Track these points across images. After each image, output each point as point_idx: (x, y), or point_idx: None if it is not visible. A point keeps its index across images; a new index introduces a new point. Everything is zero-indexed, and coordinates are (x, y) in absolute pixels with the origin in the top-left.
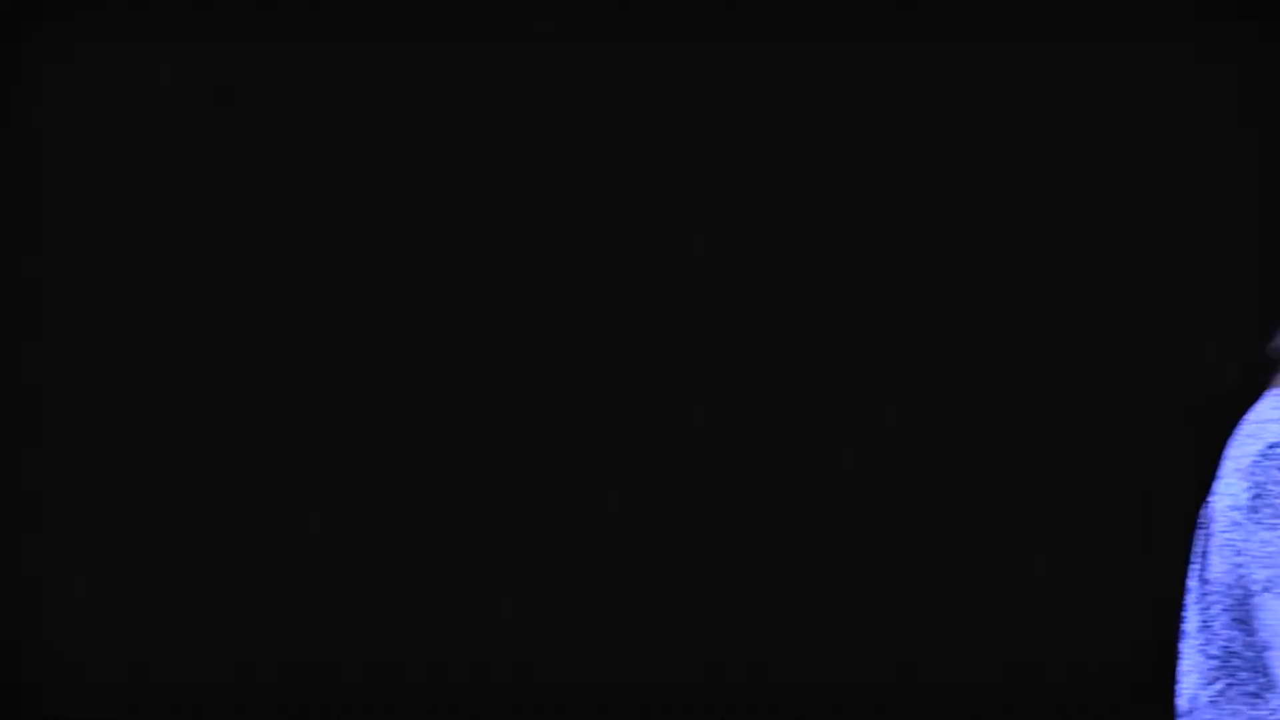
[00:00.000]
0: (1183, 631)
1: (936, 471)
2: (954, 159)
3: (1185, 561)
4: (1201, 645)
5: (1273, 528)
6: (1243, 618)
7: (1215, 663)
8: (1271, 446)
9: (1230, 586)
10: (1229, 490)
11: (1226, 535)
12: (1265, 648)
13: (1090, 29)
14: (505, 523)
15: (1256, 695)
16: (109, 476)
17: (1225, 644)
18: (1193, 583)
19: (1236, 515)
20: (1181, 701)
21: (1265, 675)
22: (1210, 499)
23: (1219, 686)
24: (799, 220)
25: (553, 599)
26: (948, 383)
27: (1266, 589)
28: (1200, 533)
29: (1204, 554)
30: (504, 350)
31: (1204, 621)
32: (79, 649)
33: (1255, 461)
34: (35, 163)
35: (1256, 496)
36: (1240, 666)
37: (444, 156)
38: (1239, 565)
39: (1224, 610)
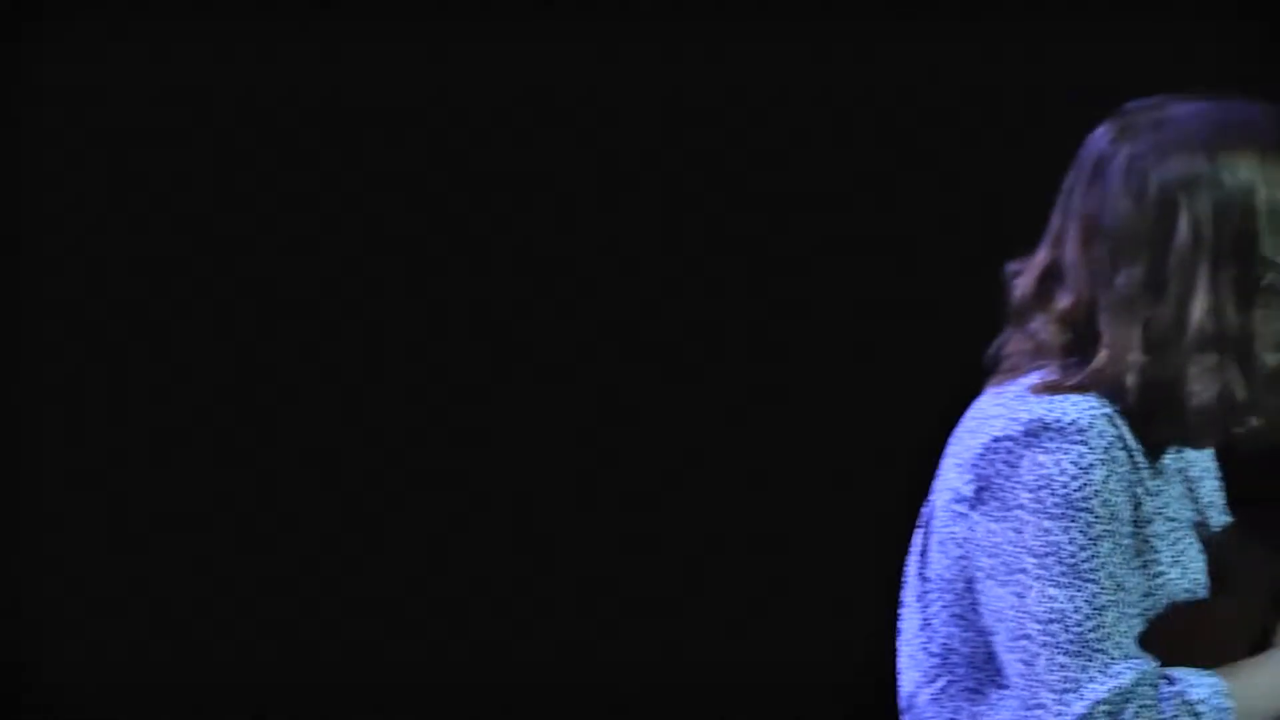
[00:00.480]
0: (899, 630)
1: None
2: (950, 160)
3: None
4: (923, 643)
5: (999, 519)
6: (962, 613)
7: (936, 660)
8: (996, 440)
9: (951, 581)
10: (950, 484)
11: (948, 529)
12: (989, 634)
13: (1088, 29)
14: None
15: (976, 691)
16: (109, 476)
17: (945, 641)
18: (911, 580)
19: (959, 508)
20: (901, 700)
21: (983, 670)
22: (930, 496)
23: (940, 684)
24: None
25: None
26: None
27: (990, 576)
28: (919, 531)
29: (923, 551)
30: (487, 354)
31: (925, 619)
32: (79, 649)
33: (980, 454)
34: (35, 163)
35: (981, 489)
36: (959, 663)
37: (444, 158)
38: (961, 558)
39: (944, 607)
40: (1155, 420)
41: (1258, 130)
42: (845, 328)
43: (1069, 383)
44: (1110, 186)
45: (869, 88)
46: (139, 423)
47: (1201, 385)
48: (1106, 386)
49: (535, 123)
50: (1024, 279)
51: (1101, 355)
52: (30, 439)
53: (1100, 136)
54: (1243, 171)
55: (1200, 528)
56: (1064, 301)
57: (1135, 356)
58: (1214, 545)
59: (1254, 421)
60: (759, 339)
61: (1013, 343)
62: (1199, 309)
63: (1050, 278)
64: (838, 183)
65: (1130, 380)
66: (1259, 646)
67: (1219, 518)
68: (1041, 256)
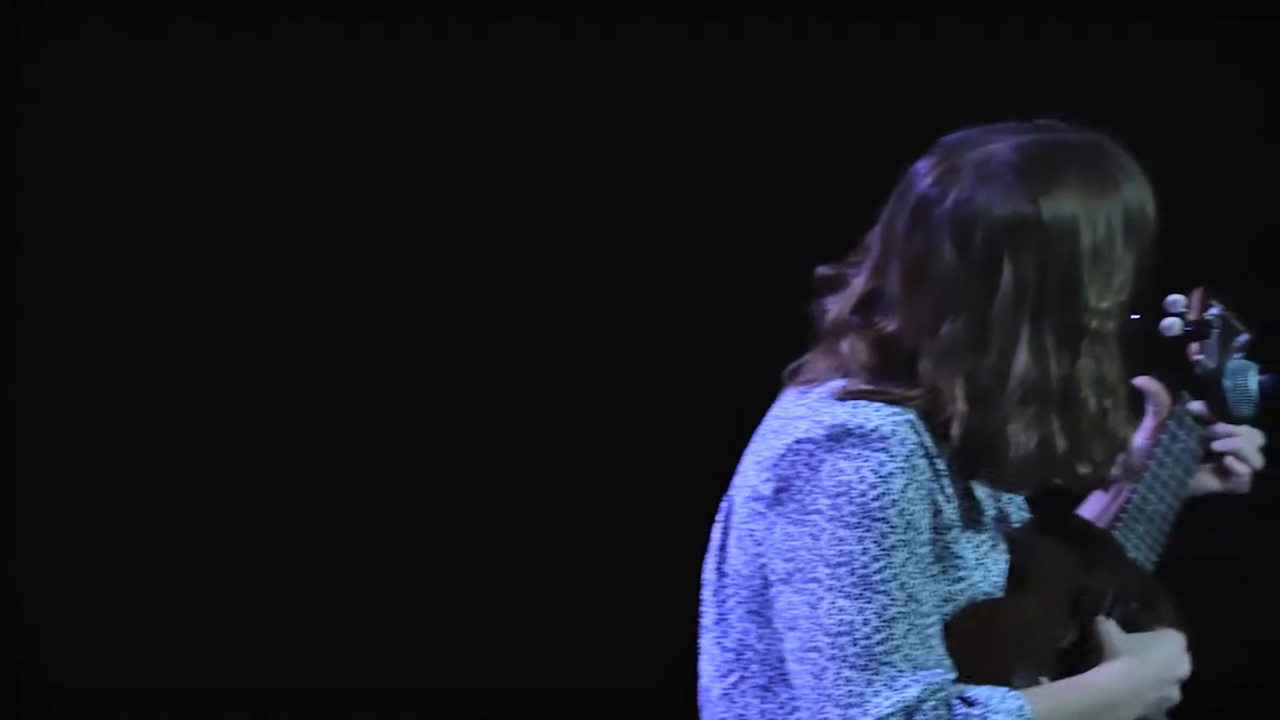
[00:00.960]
0: (701, 625)
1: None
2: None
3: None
4: (718, 638)
5: (797, 522)
6: (758, 610)
7: (730, 656)
8: (799, 441)
9: (748, 578)
10: (749, 482)
11: (747, 526)
12: (780, 640)
13: (1088, 29)
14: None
15: (767, 688)
16: (109, 476)
17: (741, 637)
18: (710, 575)
19: (758, 506)
20: (699, 694)
21: (775, 668)
22: (730, 491)
23: (733, 679)
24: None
25: None
26: None
27: (786, 581)
28: (718, 526)
29: (722, 547)
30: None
31: (720, 614)
32: (79, 649)
33: (781, 455)
34: (35, 163)
35: (781, 490)
36: (753, 659)
37: (444, 158)
38: (759, 556)
39: (740, 603)
40: (977, 467)
41: (1079, 162)
42: None
43: (878, 392)
44: (935, 234)
45: (867, 88)
46: (139, 423)
47: (1026, 436)
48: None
49: (535, 123)
50: (840, 303)
51: (921, 396)
52: (30, 439)
53: (923, 175)
54: (1066, 210)
55: (1001, 524)
56: (884, 331)
57: (960, 407)
58: (1013, 543)
59: (1082, 470)
60: (759, 339)
61: (818, 358)
62: (1021, 362)
63: (869, 305)
64: (838, 183)
65: (955, 429)
66: (1055, 645)
67: (1019, 514)
68: (860, 283)
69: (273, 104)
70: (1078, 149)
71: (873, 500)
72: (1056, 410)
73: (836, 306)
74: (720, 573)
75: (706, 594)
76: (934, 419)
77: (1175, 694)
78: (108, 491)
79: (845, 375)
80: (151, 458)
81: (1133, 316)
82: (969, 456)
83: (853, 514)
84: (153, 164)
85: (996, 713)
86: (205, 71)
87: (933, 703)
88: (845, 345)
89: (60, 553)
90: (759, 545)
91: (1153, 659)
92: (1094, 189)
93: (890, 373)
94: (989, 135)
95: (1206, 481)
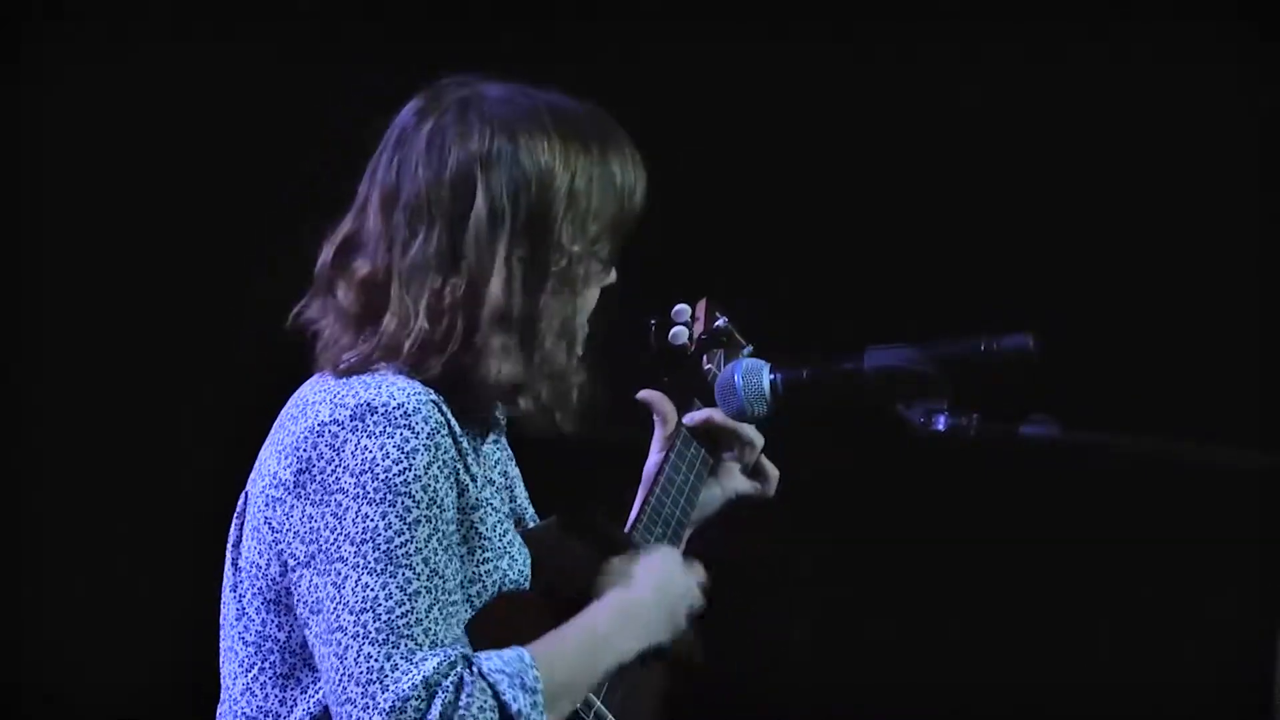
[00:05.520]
0: (221, 624)
1: None
2: (960, 159)
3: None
4: (240, 633)
5: (320, 503)
6: (275, 599)
7: (251, 649)
8: (322, 424)
9: (264, 568)
10: (269, 470)
11: (263, 515)
12: (303, 625)
13: (1090, 30)
14: None
15: (289, 676)
16: (108, 477)
17: (260, 628)
18: (227, 571)
19: (277, 493)
20: (222, 690)
21: (298, 655)
22: (247, 486)
23: (254, 672)
24: None
25: None
26: None
27: (307, 564)
28: (235, 521)
29: (237, 541)
30: None
31: (240, 609)
32: (79, 649)
33: (303, 438)
34: (35, 163)
35: (302, 472)
36: (273, 649)
37: None
38: (275, 544)
39: (257, 594)
40: (454, 394)
41: (564, 119)
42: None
43: (375, 356)
44: (411, 157)
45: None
46: (139, 423)
47: (497, 363)
48: (407, 359)
49: None
50: (327, 247)
51: (388, 320)
52: (30, 439)
53: (408, 110)
54: (543, 156)
55: (518, 524)
56: (363, 270)
57: (419, 324)
58: (534, 542)
59: (524, 403)
60: None
61: (316, 309)
62: (496, 286)
63: (351, 246)
64: None
65: (407, 345)
66: None
67: (530, 521)
68: (345, 225)
69: (273, 104)
70: (570, 109)
71: (396, 475)
72: (518, 340)
73: (324, 254)
74: (236, 567)
75: (225, 591)
76: (454, 395)
77: (681, 611)
78: (107, 493)
79: (345, 327)
80: (151, 458)
81: (650, 323)
82: (450, 385)
83: (376, 489)
84: (153, 165)
85: (493, 660)
86: (206, 72)
87: (452, 676)
88: (338, 293)
89: (60, 553)
90: (276, 532)
91: (643, 583)
92: (577, 145)
93: (375, 313)
94: (482, 80)
95: (740, 485)
